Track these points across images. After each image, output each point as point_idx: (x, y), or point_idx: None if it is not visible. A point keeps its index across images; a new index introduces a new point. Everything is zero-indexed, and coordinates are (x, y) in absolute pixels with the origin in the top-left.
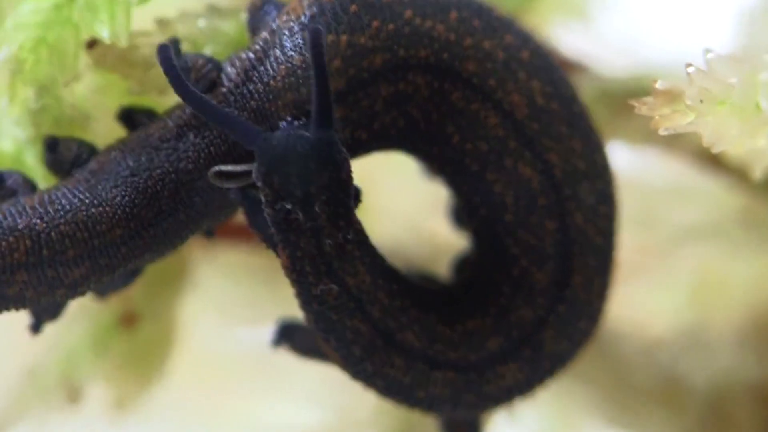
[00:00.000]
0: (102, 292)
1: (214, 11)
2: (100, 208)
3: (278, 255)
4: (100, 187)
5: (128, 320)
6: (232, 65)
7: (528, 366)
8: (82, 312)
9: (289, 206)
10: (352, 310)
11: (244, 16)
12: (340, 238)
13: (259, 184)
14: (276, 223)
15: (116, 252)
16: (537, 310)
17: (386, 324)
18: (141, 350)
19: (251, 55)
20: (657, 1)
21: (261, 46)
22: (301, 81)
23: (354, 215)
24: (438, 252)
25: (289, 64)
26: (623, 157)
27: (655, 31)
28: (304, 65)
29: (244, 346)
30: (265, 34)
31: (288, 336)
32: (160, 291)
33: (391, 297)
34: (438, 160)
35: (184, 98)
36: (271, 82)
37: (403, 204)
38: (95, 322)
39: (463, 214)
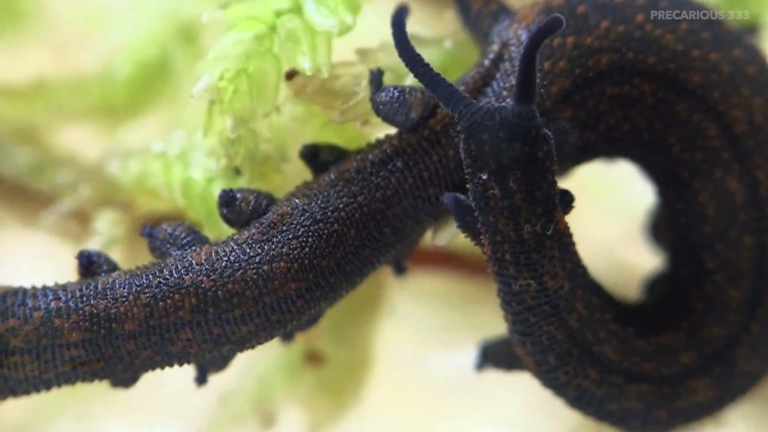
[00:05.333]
0: (285, 337)
1: (415, 40)
2: (273, 264)
3: (483, 245)
4: (276, 239)
5: (313, 359)
6: (465, 85)
7: (719, 383)
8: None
9: (485, 176)
10: (549, 315)
11: (447, 44)
12: (539, 228)
13: (461, 153)
14: (476, 201)
15: (290, 307)
16: (729, 327)
17: (584, 335)
18: (335, 376)
19: (481, 71)
20: None
21: (492, 60)
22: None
23: (557, 210)
24: (633, 281)
25: None
26: None
27: None
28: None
29: (440, 372)
30: (495, 46)
31: (490, 356)
32: (355, 317)
33: (590, 310)
34: (654, 168)
35: (399, 49)
36: (503, 93)
37: (600, 233)
38: (287, 348)
39: (662, 226)
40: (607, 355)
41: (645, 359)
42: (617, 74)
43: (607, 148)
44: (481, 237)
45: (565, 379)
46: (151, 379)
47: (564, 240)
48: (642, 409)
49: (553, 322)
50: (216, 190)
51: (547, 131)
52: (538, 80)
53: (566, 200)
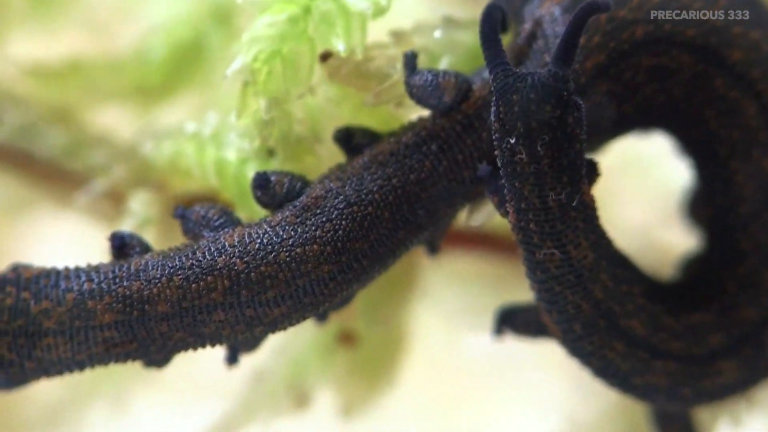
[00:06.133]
0: (319, 318)
1: (450, 22)
2: (306, 247)
3: (508, 215)
4: (309, 222)
5: (346, 340)
6: None
7: (747, 365)
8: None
9: (512, 140)
10: (573, 284)
11: None
12: (564, 197)
13: (492, 119)
14: (503, 166)
15: (322, 289)
16: (761, 309)
17: (609, 307)
18: (369, 357)
19: (514, 50)
20: None
21: (524, 38)
22: None
23: (583, 182)
24: (669, 262)
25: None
26: None
27: None
28: None
29: (474, 353)
30: (527, 25)
31: (508, 321)
32: (388, 298)
33: (615, 281)
34: (691, 143)
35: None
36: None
37: (635, 214)
38: (321, 328)
39: (698, 205)
40: (634, 329)
41: (673, 337)
42: (654, 45)
43: (644, 120)
44: (507, 205)
45: (591, 349)
46: (185, 358)
47: (588, 212)
48: (667, 386)
49: (577, 292)
50: (249, 171)
51: (578, 99)
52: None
53: (592, 170)
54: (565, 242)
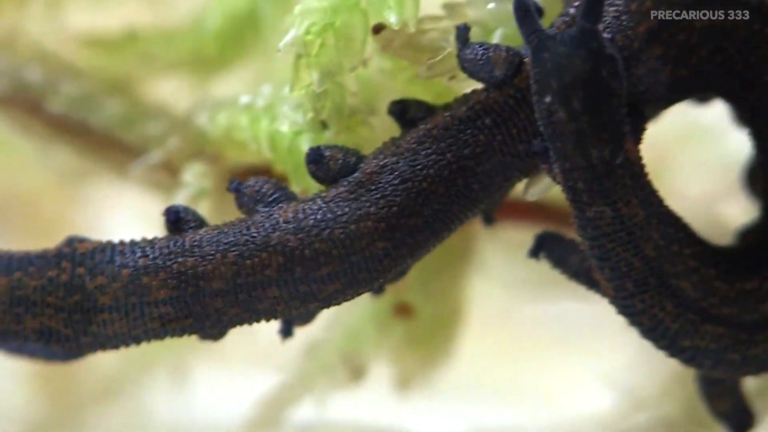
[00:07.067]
0: (375, 291)
1: None
2: (361, 224)
3: (557, 178)
4: (364, 198)
5: (402, 311)
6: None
7: None
8: None
9: (548, 99)
10: (625, 241)
11: None
12: (607, 154)
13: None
14: (544, 127)
15: (377, 265)
16: None
17: (661, 266)
18: (425, 329)
19: (566, 20)
20: None
21: (576, 7)
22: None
23: (625, 139)
24: (728, 236)
25: None
26: None
27: None
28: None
29: (530, 325)
30: None
31: (547, 247)
32: (445, 270)
33: (667, 240)
34: (750, 109)
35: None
36: None
37: (695, 187)
38: (378, 300)
39: (758, 174)
40: (685, 291)
41: (725, 303)
42: (707, 4)
43: (701, 83)
44: (554, 165)
45: (642, 307)
46: (241, 330)
47: (635, 170)
48: (715, 350)
49: (629, 249)
50: (303, 143)
51: (613, 52)
52: (625, 23)
53: (637, 122)
54: (615, 199)
